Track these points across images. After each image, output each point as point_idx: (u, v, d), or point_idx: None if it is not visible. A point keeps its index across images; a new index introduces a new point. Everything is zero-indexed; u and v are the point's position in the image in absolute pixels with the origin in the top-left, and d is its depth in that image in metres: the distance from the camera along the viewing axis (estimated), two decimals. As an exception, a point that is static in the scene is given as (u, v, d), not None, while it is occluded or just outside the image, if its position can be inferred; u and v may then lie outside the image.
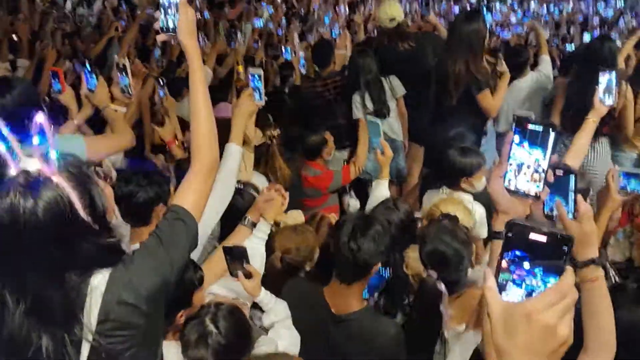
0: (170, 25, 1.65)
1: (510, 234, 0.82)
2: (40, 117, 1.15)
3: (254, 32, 6.55)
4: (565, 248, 0.80)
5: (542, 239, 0.81)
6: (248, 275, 2.02)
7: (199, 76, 1.65)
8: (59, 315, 1.23)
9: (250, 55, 5.40)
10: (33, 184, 1.17)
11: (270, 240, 2.31)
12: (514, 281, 0.83)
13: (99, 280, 1.27)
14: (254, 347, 1.89)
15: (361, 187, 4.08)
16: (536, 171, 1.21)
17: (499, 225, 1.32)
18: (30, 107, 1.82)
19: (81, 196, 1.21)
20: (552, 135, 1.18)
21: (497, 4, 10.72)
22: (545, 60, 4.60)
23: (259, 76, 2.42)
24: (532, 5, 10.59)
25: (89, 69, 2.80)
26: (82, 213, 1.21)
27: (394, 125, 4.25)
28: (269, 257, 2.30)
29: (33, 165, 1.18)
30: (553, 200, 1.52)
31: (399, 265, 2.40)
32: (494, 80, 3.79)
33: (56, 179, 1.18)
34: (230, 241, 2.19)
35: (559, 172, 1.41)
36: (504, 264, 0.82)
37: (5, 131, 1.14)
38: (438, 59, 3.75)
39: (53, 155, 1.19)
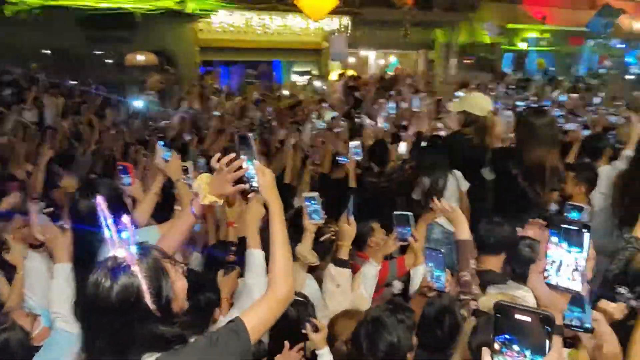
0: (256, 185, 1.93)
1: (497, 315, 0.88)
2: (125, 219, 1.42)
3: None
4: (548, 328, 0.87)
5: (527, 318, 0.88)
6: (315, 329, 2.36)
7: (279, 224, 1.87)
8: None
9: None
10: (116, 268, 1.42)
11: (330, 329, 2.46)
12: None
13: None
14: None
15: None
16: (576, 269, 1.30)
17: None
18: (114, 206, 2.02)
19: (150, 285, 1.43)
20: (586, 235, 1.28)
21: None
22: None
23: (314, 199, 2.75)
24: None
25: (163, 143, 3.07)
26: (148, 300, 1.42)
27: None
28: (332, 346, 2.42)
29: (122, 253, 1.43)
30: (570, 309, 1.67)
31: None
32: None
33: (134, 268, 1.41)
34: None
35: None
36: (496, 346, 0.89)
37: (110, 222, 1.41)
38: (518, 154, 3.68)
39: (133, 249, 1.44)
